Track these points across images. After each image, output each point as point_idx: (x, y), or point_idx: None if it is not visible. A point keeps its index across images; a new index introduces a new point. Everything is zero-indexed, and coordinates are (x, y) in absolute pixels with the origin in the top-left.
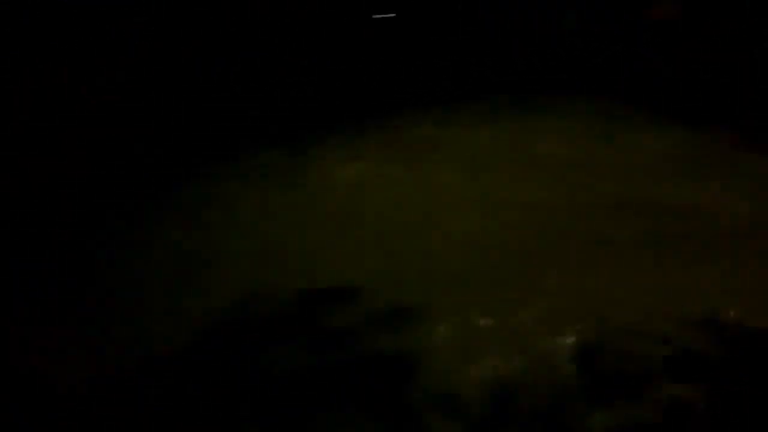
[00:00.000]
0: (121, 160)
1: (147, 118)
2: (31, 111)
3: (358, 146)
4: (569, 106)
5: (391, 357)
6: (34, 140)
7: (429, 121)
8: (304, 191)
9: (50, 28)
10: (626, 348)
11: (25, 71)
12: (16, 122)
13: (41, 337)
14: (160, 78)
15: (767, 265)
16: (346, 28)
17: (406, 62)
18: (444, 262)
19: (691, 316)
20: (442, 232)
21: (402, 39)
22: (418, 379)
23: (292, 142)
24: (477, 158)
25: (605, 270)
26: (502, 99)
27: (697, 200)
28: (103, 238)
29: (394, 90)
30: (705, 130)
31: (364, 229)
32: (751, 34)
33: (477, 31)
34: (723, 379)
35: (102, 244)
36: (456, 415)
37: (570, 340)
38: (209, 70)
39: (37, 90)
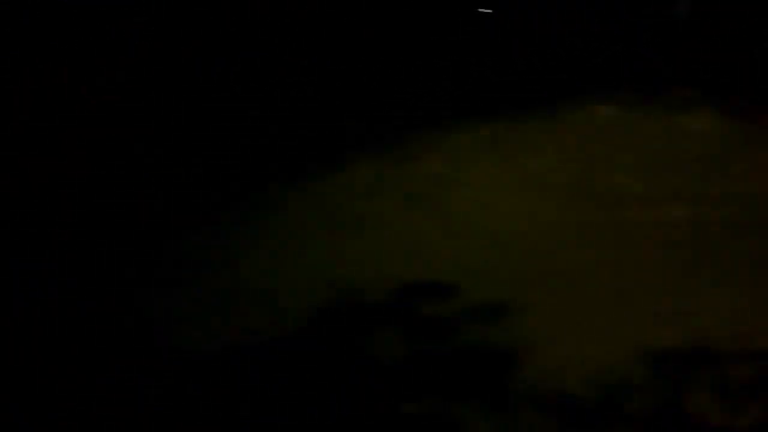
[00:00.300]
0: (121, 160)
1: (147, 118)
2: (31, 111)
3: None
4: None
5: (487, 351)
6: (34, 140)
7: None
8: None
9: (50, 28)
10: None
11: (25, 71)
12: (16, 122)
13: (45, 337)
14: (160, 78)
15: None
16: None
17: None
18: (534, 260)
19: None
20: (525, 230)
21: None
22: (516, 374)
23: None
24: (529, 156)
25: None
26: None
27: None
28: (107, 239)
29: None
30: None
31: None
32: (751, 34)
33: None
34: None
35: (104, 245)
36: (555, 411)
37: (668, 342)
38: (209, 70)
39: (37, 90)
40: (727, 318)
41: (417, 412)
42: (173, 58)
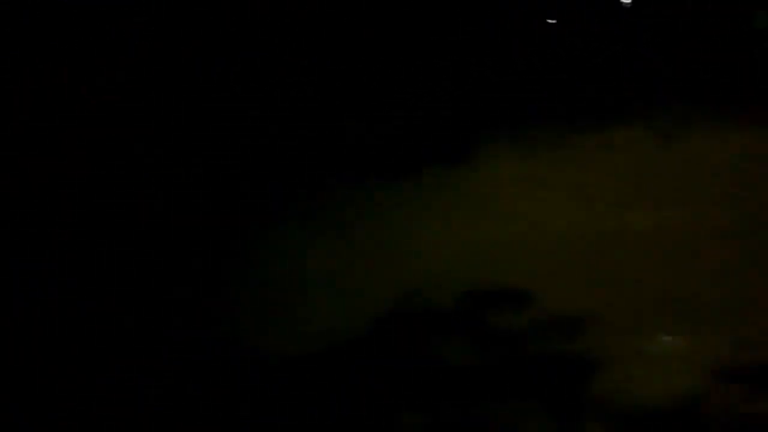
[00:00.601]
0: (121, 160)
1: (147, 118)
2: (31, 111)
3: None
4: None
5: (560, 360)
6: (34, 140)
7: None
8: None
9: (50, 28)
10: None
11: (25, 71)
12: (16, 122)
13: (45, 337)
14: (160, 78)
15: None
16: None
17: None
18: (612, 271)
19: None
20: (605, 239)
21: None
22: (589, 385)
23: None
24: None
25: None
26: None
27: None
28: (107, 239)
29: None
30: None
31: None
32: (752, 34)
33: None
34: None
35: (104, 245)
36: (628, 426)
37: (750, 362)
38: (209, 70)
39: (37, 90)
40: None
41: (486, 418)
42: (173, 58)
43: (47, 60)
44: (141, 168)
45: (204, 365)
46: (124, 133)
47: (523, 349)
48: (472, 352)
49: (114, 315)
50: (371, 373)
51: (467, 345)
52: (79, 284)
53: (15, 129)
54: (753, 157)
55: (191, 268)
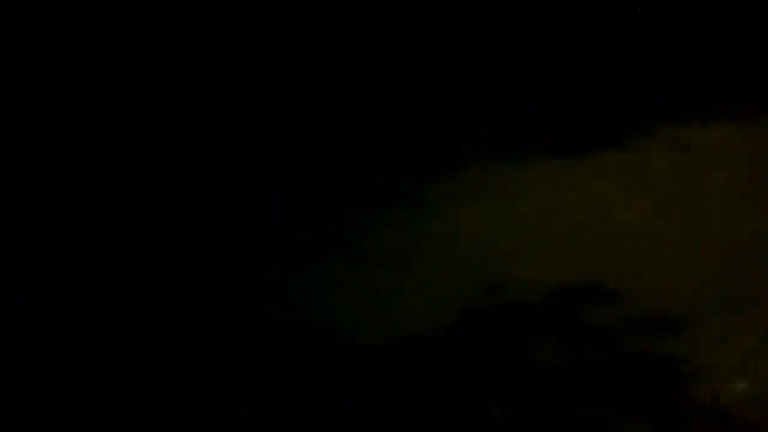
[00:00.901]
0: (121, 160)
1: (147, 118)
2: (31, 111)
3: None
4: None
5: (652, 362)
6: (34, 140)
7: None
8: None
9: (50, 28)
10: None
11: (25, 71)
12: (16, 122)
13: (45, 337)
14: (160, 78)
15: None
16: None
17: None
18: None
19: None
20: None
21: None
22: (682, 388)
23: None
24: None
25: None
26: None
27: None
28: (107, 240)
29: None
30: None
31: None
32: (751, 34)
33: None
34: None
35: (104, 245)
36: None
37: None
38: (209, 70)
39: (37, 90)
40: None
41: (575, 418)
42: (173, 58)
43: (47, 60)
44: (141, 168)
45: (204, 365)
46: (124, 133)
47: (610, 347)
48: (558, 348)
49: (114, 315)
50: (452, 370)
51: (556, 342)
52: (79, 284)
53: (15, 129)
54: (753, 157)
55: (191, 268)
